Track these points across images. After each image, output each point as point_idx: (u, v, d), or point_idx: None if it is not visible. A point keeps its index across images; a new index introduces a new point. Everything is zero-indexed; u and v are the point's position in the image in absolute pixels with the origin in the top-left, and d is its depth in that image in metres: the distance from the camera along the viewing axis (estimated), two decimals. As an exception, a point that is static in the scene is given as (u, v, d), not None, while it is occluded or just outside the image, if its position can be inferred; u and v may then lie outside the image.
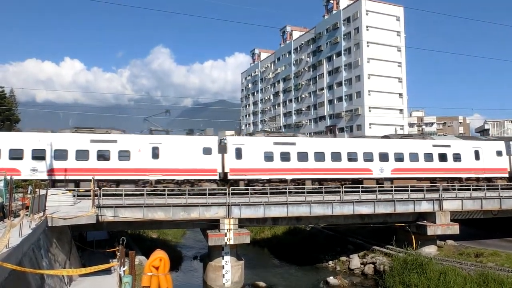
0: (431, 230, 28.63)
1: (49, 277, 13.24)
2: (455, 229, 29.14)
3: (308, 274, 29.63)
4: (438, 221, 29.03)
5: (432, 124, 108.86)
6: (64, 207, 19.83)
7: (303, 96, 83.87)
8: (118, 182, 28.63)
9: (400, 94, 69.75)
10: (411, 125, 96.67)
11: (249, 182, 30.66)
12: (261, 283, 26.57)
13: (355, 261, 30.22)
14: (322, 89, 77.79)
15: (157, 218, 24.34)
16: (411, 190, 30.04)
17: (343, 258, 31.57)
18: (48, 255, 14.84)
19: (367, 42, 67.58)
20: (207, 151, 30.20)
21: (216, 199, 26.07)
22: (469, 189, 31.63)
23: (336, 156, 32.83)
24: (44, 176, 27.06)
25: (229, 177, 30.51)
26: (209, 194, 26.22)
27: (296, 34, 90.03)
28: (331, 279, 26.90)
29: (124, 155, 28.86)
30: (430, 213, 29.48)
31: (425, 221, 29.48)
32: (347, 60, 71.45)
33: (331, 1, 76.83)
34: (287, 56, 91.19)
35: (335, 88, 74.36)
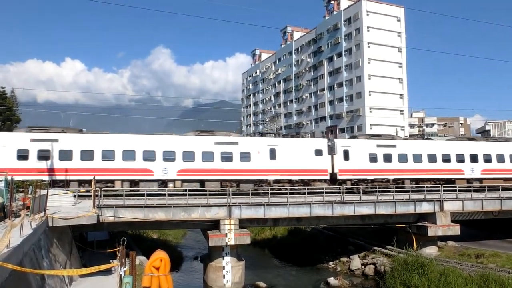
0: (432, 231, 28.62)
1: (50, 277, 13.25)
2: (455, 230, 29.11)
3: (308, 274, 29.61)
4: (439, 222, 29.01)
5: (432, 125, 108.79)
6: (64, 208, 19.86)
7: (303, 96, 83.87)
8: (238, 182, 30.30)
9: (401, 95, 69.69)
10: (411, 126, 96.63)
11: (355, 182, 32.43)
12: (262, 284, 26.55)
13: (356, 261, 30.19)
14: (323, 89, 77.78)
15: (158, 218, 24.35)
16: (412, 191, 30.06)
17: (344, 259, 31.55)
18: (48, 255, 14.85)
19: (368, 43, 67.56)
20: (318, 152, 32.14)
21: (217, 200, 26.06)
22: (469, 190, 31.61)
23: (432, 157, 34.83)
24: (174, 176, 29.00)
25: (339, 177, 32.32)
26: (210, 195, 26.25)
27: (296, 35, 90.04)
28: (332, 280, 26.88)
29: (245, 156, 30.61)
30: (430, 214, 29.45)
31: (426, 222, 29.46)
32: (347, 61, 71.44)
33: (332, 2, 76.85)
34: (288, 56, 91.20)
35: (336, 88, 74.33)
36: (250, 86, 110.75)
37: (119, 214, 23.33)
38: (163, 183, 28.99)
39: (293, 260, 32.83)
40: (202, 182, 29.49)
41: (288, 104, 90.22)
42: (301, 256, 33.04)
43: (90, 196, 22.29)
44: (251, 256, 32.89)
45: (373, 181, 32.87)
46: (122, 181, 28.27)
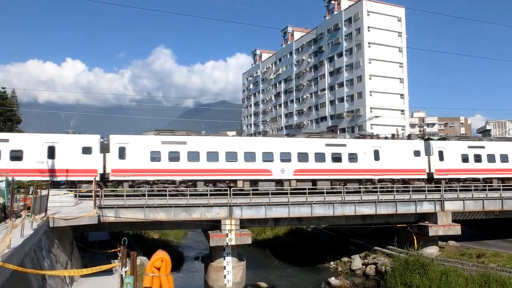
0: (433, 231, 28.58)
1: (51, 278, 13.25)
2: (456, 229, 29.07)
3: (309, 274, 29.60)
4: (440, 221, 28.98)
5: (433, 124, 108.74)
6: (65, 208, 19.87)
7: (304, 96, 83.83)
8: (346, 182, 32.07)
9: (402, 95, 69.66)
10: (412, 125, 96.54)
11: (449, 181, 34.45)
12: (263, 284, 26.55)
13: (357, 261, 30.16)
14: (324, 89, 77.73)
15: (159, 218, 24.34)
16: (413, 191, 30.04)
17: (345, 259, 31.52)
18: (49, 256, 14.85)
19: (369, 43, 67.52)
20: (416, 153, 34.44)
21: (218, 200, 26.06)
22: (470, 190, 31.59)
23: None
24: (291, 176, 31.06)
25: (435, 176, 34.52)
26: (210, 195, 26.25)
27: (297, 35, 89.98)
28: (333, 280, 26.86)
29: (352, 157, 32.73)
30: (431, 214, 29.42)
31: (427, 222, 29.42)
32: (348, 61, 71.39)
33: (333, 2, 76.81)
34: (289, 56, 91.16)
35: (337, 88, 74.29)
36: (251, 86, 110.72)
37: (120, 215, 23.33)
38: (279, 182, 30.72)
39: (294, 260, 32.82)
40: (314, 182, 31.21)
41: (289, 104, 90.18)
42: (302, 256, 33.03)
43: (91, 196, 22.29)
44: (252, 256, 32.88)
45: (465, 180, 34.78)
46: (244, 181, 30.08)
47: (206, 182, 29.43)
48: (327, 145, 32.40)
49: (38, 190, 16.11)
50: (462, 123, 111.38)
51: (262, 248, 38.39)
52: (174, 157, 28.96)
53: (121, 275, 13.56)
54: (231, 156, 30.11)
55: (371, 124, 65.80)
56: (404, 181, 33.31)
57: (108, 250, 21.60)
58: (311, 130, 79.44)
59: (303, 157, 31.48)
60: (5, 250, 9.31)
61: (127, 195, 24.67)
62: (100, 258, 20.66)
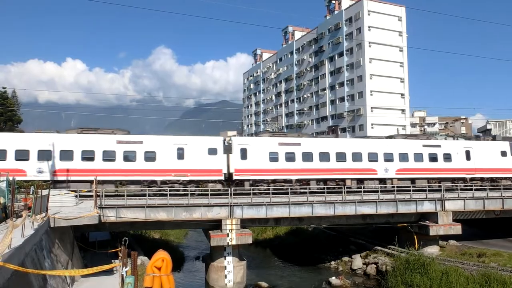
0: (433, 230, 28.55)
1: (51, 278, 13.27)
2: (457, 229, 29.05)
3: (310, 274, 29.61)
4: (440, 221, 28.95)
5: (434, 124, 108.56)
6: (66, 208, 19.89)
7: (305, 96, 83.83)
8: (441, 180, 33.98)
9: (402, 94, 69.65)
10: (413, 125, 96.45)
11: None
12: (264, 284, 26.56)
13: (357, 261, 30.16)
14: (324, 89, 77.74)
15: (159, 218, 24.34)
16: (413, 190, 30.03)
17: (345, 259, 31.53)
18: (50, 256, 14.87)
19: (369, 42, 67.51)
20: (503, 153, 36.88)
21: (218, 200, 26.05)
22: (471, 189, 31.58)
23: None
24: (393, 175, 33.40)
25: None
26: (211, 195, 26.26)
27: (298, 35, 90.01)
28: (333, 279, 26.86)
29: (446, 157, 35.11)
30: (432, 213, 29.39)
31: (427, 221, 29.39)
32: (349, 60, 71.39)
33: (333, 2, 76.81)
34: (289, 56, 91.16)
35: (337, 88, 74.28)
36: (252, 86, 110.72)
37: (120, 214, 23.32)
38: (382, 181, 32.84)
39: (294, 260, 32.83)
40: (413, 180, 33.22)
41: (289, 103, 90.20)
42: (302, 256, 33.04)
43: (92, 196, 22.31)
44: (252, 256, 32.92)
45: None
46: (351, 179, 32.19)
47: (318, 181, 31.47)
48: (424, 146, 34.61)
49: (39, 190, 16.14)
50: (462, 123, 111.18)
51: (263, 248, 38.40)
52: (290, 157, 31.15)
53: (122, 275, 13.57)
54: (341, 157, 32.27)
55: (372, 124, 65.86)
56: (492, 180, 35.39)
57: (109, 250, 21.61)
58: (312, 130, 79.50)
59: (403, 157, 33.72)
60: (6, 250, 9.31)
61: (127, 195, 24.66)
62: (100, 258, 20.66)
